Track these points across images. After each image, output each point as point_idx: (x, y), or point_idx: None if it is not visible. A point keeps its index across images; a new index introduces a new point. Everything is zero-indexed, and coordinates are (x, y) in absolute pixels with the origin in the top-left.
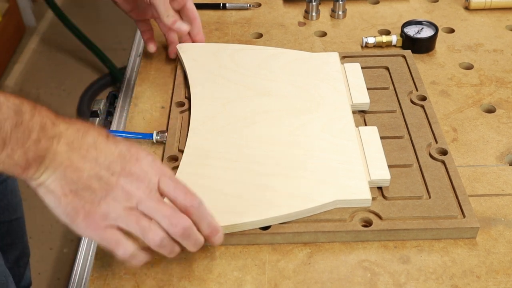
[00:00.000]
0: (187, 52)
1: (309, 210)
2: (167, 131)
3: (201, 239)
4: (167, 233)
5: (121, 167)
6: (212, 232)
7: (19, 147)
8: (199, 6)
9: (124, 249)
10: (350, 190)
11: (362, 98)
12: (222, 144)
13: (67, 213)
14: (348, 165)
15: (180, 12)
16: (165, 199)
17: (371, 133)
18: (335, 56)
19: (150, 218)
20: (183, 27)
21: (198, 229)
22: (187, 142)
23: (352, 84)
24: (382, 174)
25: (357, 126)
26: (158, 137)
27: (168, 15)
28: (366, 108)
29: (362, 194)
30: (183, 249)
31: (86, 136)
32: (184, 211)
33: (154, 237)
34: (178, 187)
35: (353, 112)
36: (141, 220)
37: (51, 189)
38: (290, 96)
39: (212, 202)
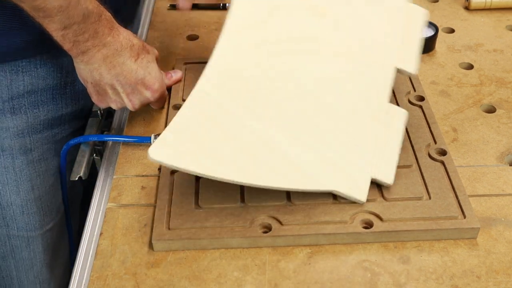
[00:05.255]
0: None
1: (302, 189)
2: None
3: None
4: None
5: (132, 89)
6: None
7: (72, 36)
8: (199, 6)
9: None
10: (348, 186)
11: (409, 65)
12: (252, 68)
13: (87, 90)
14: (359, 156)
15: None
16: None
17: (398, 118)
18: (423, 13)
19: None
20: None
21: None
22: (216, 52)
23: (406, 42)
24: (386, 176)
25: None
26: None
27: None
28: (414, 72)
29: (359, 194)
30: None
31: (119, 56)
32: None
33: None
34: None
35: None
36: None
37: (81, 73)
38: (346, 31)
39: (215, 150)
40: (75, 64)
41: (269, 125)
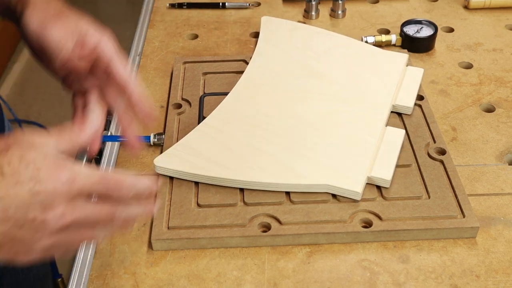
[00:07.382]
0: (267, 24)
1: (298, 186)
2: (164, 133)
3: (138, 209)
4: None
5: (41, 206)
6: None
7: None
8: (199, 5)
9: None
10: (344, 180)
11: (406, 101)
12: (252, 110)
13: (6, 260)
14: (356, 158)
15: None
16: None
17: (396, 135)
18: (403, 57)
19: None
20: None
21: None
22: (223, 101)
23: (404, 86)
24: (384, 173)
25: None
26: (155, 140)
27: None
28: (408, 112)
29: (354, 186)
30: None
31: None
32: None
33: (99, 239)
34: (109, 186)
35: (398, 114)
36: (83, 236)
37: None
38: (340, 84)
39: (216, 155)
40: None
41: (264, 139)
